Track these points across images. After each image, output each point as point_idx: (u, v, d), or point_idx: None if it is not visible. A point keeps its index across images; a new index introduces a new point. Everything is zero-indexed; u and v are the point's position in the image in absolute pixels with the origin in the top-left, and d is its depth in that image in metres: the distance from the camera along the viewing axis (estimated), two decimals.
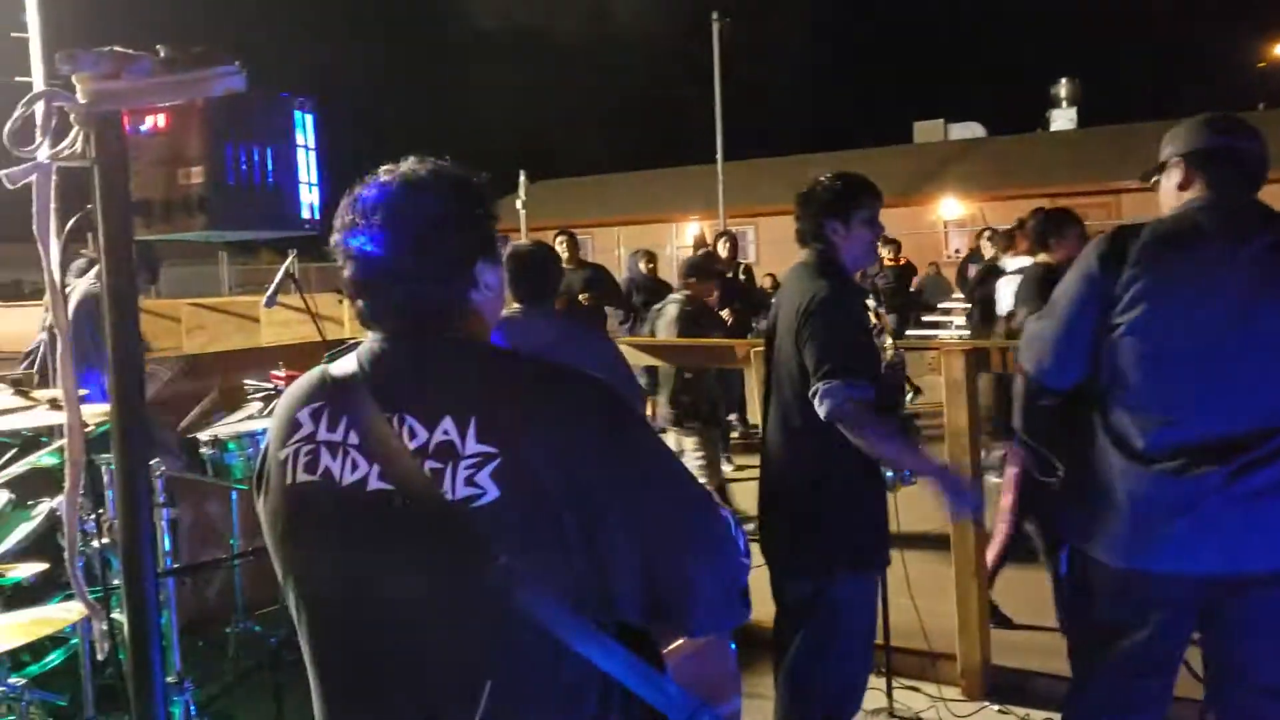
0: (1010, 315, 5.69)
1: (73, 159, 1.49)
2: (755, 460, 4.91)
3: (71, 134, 1.48)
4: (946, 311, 16.17)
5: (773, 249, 25.67)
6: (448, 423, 1.46)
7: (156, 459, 3.80)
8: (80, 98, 1.44)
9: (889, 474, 3.30)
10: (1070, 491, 2.89)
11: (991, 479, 7.51)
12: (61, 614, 2.95)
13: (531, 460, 1.43)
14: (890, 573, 3.48)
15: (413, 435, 1.47)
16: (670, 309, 6.98)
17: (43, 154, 1.46)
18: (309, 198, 1.68)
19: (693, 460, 6.89)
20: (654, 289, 9.70)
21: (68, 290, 4.32)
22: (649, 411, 9.99)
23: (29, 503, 3.80)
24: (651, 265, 10.11)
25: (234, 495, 4.85)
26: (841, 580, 3.21)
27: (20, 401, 4.06)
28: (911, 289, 13.73)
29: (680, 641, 2.38)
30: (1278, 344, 2.59)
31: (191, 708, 3.81)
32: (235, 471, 4.25)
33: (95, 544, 3.76)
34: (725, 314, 8.33)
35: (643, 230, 29.32)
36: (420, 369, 1.56)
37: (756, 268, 16.95)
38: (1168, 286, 2.63)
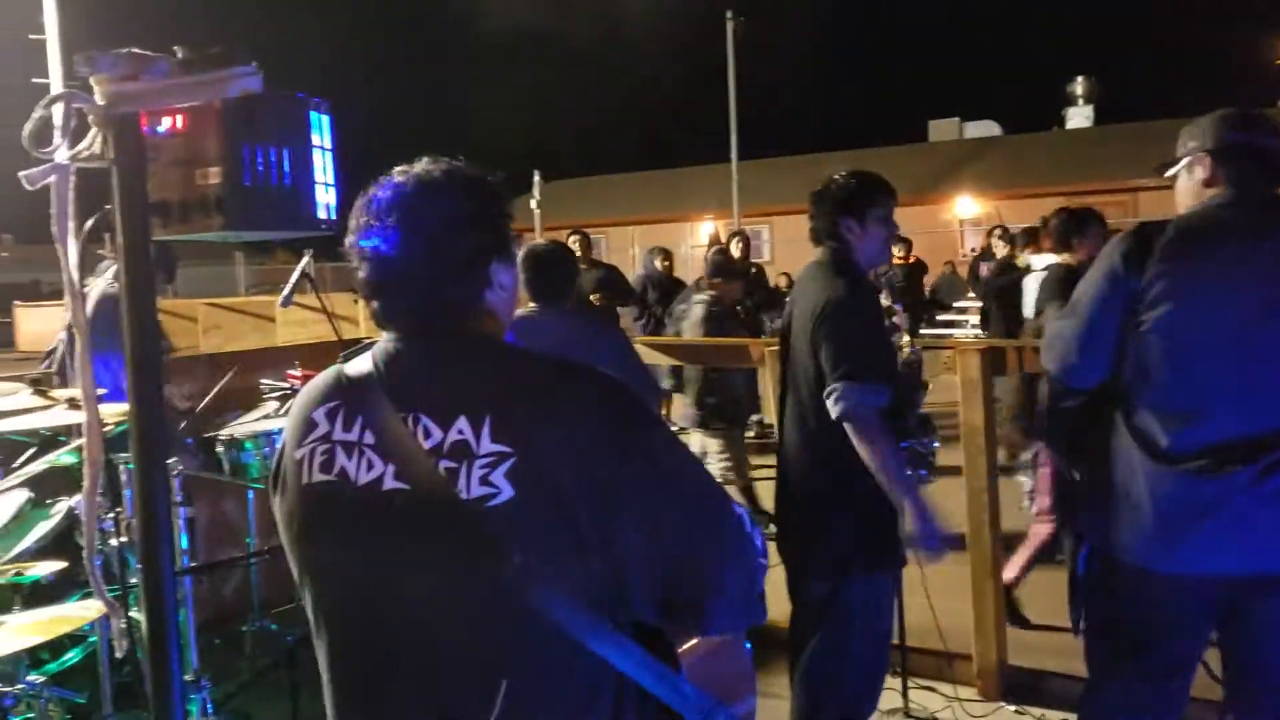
0: (1038, 315, 5.66)
1: (91, 160, 1.49)
2: (770, 460, 4.90)
3: (90, 135, 1.48)
4: (961, 310, 16.12)
5: (788, 248, 25.65)
6: (462, 422, 1.46)
7: (174, 458, 3.82)
8: (99, 99, 1.45)
9: (906, 473, 3.29)
10: (1090, 491, 2.86)
11: (1021, 479, 7.49)
12: (80, 612, 2.97)
13: (546, 459, 1.43)
14: (906, 572, 3.47)
15: (427, 435, 1.47)
16: (696, 310, 6.96)
17: (61, 155, 1.47)
18: (325, 198, 1.69)
19: (718, 461, 6.88)
20: (669, 287, 9.70)
21: (85, 290, 4.34)
22: (664, 411, 10.02)
23: (47, 501, 3.82)
24: (667, 263, 10.11)
25: (250, 494, 4.87)
26: (858, 580, 3.20)
27: (39, 401, 4.09)
28: (924, 287, 13.68)
29: (696, 641, 2.38)
30: None
31: (208, 706, 3.83)
32: (251, 470, 4.27)
33: (113, 542, 3.78)
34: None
35: (657, 229, 29.32)
36: (435, 368, 1.56)
37: (771, 267, 16.94)
38: (1193, 284, 2.60)
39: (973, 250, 15.64)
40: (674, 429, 9.40)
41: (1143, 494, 2.65)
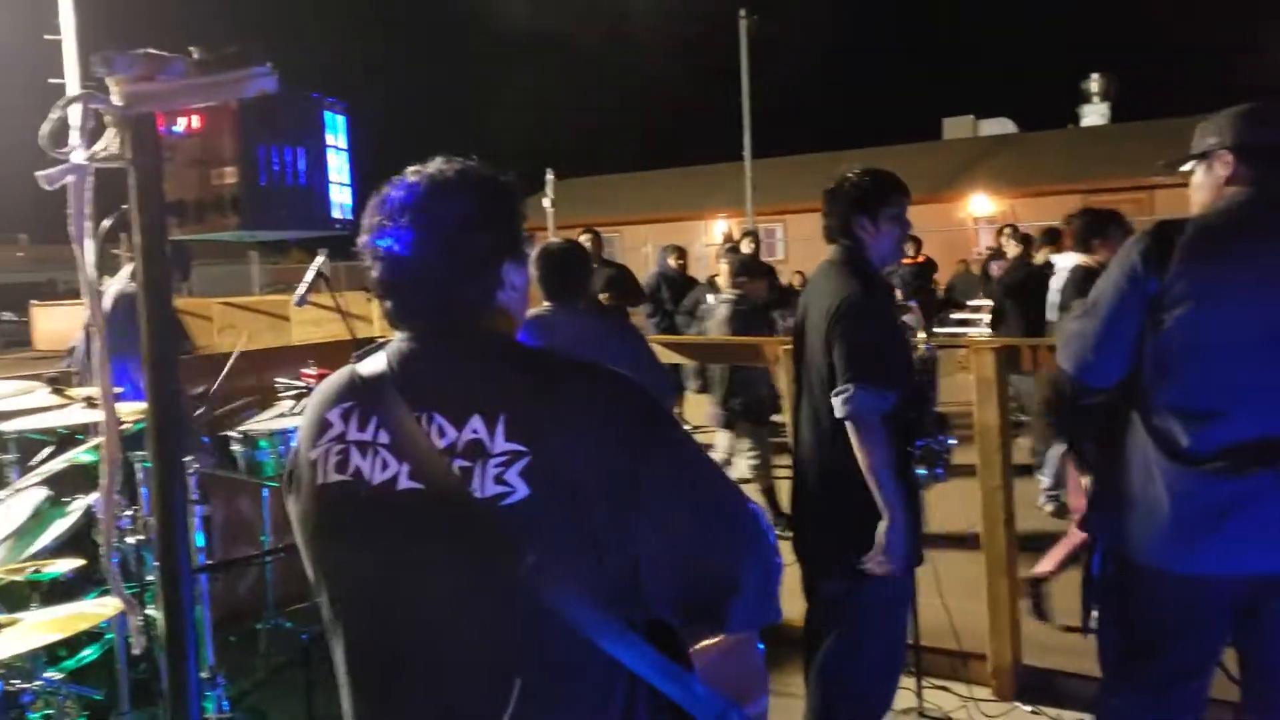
0: (1063, 316, 5.65)
1: (108, 160, 1.50)
2: (784, 459, 4.89)
3: (106, 135, 1.49)
4: (976, 309, 16.06)
5: (801, 246, 25.63)
6: (476, 421, 1.46)
7: (190, 456, 3.83)
8: (115, 100, 1.46)
9: (921, 471, 3.28)
10: (1106, 492, 2.83)
11: (1040, 478, 7.48)
12: (97, 609, 2.98)
13: (561, 458, 1.44)
14: (920, 572, 3.46)
15: (442, 434, 1.48)
16: (722, 309, 6.95)
17: (78, 156, 1.48)
18: (340, 198, 1.70)
19: (746, 460, 6.87)
20: (683, 284, 9.70)
21: (102, 289, 4.37)
22: (678, 410, 10.02)
23: (65, 499, 3.84)
24: (681, 261, 10.11)
25: (265, 492, 4.89)
26: (874, 579, 3.19)
27: (56, 399, 4.12)
28: (933, 286, 13.60)
29: (708, 640, 2.38)
30: None
31: (224, 703, 3.85)
32: (266, 468, 4.28)
33: (130, 540, 3.80)
34: None
35: (670, 228, 29.29)
36: (448, 368, 1.56)
37: (785, 265, 16.93)
38: (1214, 284, 2.57)
39: (988, 248, 15.57)
40: (688, 428, 9.42)
41: (1160, 494, 2.63)
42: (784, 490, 6.60)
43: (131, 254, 1.54)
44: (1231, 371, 2.57)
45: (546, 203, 24.40)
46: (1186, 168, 2.82)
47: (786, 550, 2.55)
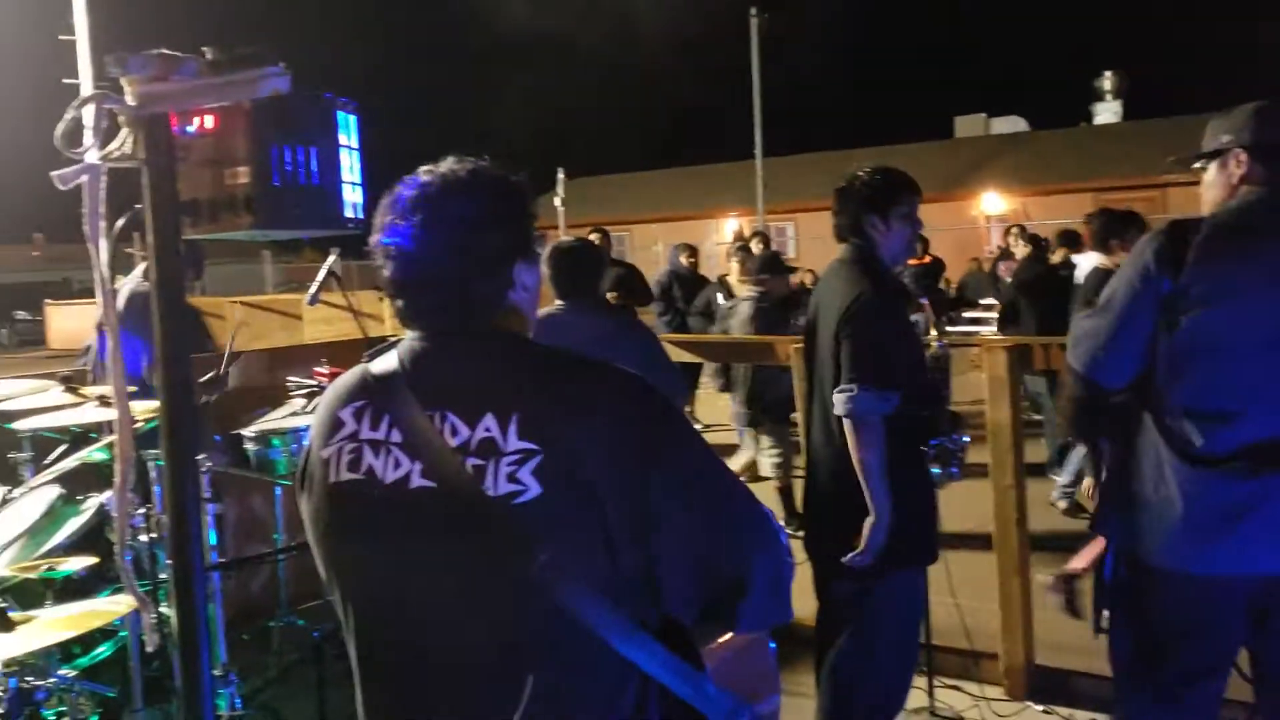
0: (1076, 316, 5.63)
1: (122, 160, 1.51)
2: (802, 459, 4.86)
3: (120, 135, 1.50)
4: (988, 308, 16.02)
5: (812, 245, 25.58)
6: (489, 420, 1.46)
7: (203, 454, 3.85)
8: (129, 100, 1.47)
9: (936, 470, 3.28)
10: (1117, 492, 2.82)
11: (1054, 477, 7.46)
12: (110, 607, 2.99)
13: (573, 457, 1.44)
14: (932, 571, 3.46)
15: (454, 432, 1.48)
16: (744, 307, 6.92)
17: (93, 155, 1.49)
18: (352, 197, 1.70)
19: (769, 458, 6.87)
20: (694, 283, 9.70)
21: (116, 288, 4.39)
22: (689, 409, 10.02)
23: (79, 498, 3.85)
24: (692, 259, 10.11)
25: (278, 491, 4.90)
26: (887, 578, 3.19)
27: (70, 398, 4.14)
28: (941, 287, 13.53)
29: (720, 639, 2.38)
30: None
31: (237, 700, 3.86)
32: (279, 467, 4.29)
33: (143, 538, 3.81)
34: None
35: (682, 227, 29.26)
36: (460, 366, 1.56)
37: (796, 264, 16.86)
38: (1230, 283, 2.55)
39: (1000, 247, 15.50)
40: (699, 427, 9.40)
41: (1173, 495, 2.61)
42: (800, 490, 6.60)
43: (145, 253, 1.54)
44: (1246, 372, 2.55)
45: (557, 202, 24.40)
46: (1198, 165, 2.80)
47: (798, 549, 2.55)
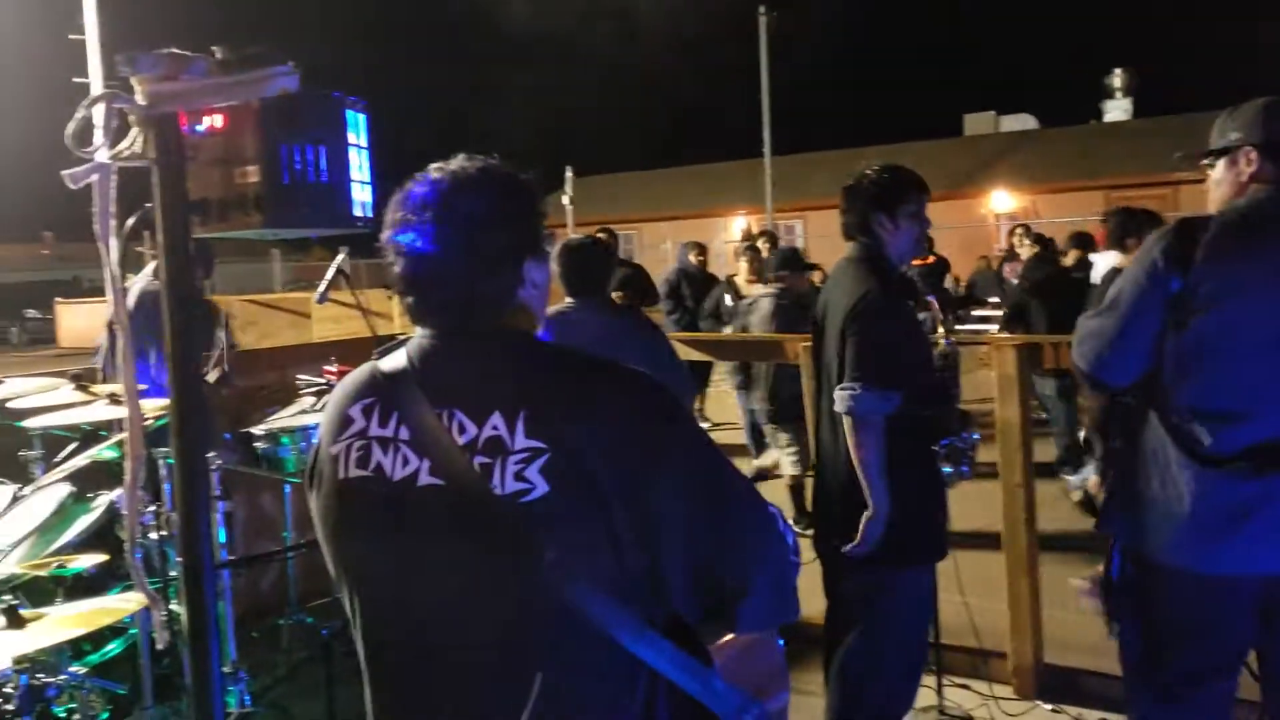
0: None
1: (132, 159, 1.51)
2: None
3: (130, 135, 1.50)
4: (997, 305, 15.97)
5: (821, 244, 25.51)
6: (496, 418, 1.47)
7: (212, 452, 3.86)
8: (139, 99, 1.47)
9: (947, 470, 3.28)
10: (1123, 491, 2.81)
11: (1067, 477, 7.46)
12: (121, 604, 3.00)
13: (580, 455, 1.44)
14: (941, 569, 3.45)
15: (462, 430, 1.48)
16: (764, 304, 6.89)
17: (103, 155, 1.49)
18: (361, 196, 1.71)
19: (787, 455, 6.86)
20: (703, 281, 9.70)
21: (126, 287, 4.40)
22: (699, 407, 10.02)
23: (89, 495, 3.87)
24: (701, 258, 10.11)
25: (287, 489, 4.91)
26: (895, 577, 3.19)
27: (80, 396, 4.15)
28: (947, 287, 13.47)
29: (728, 637, 2.38)
30: None
31: (246, 698, 3.88)
32: (288, 465, 4.31)
33: (153, 536, 3.83)
34: None
35: (690, 225, 29.25)
36: (469, 364, 1.57)
37: None
38: (1239, 283, 2.54)
39: (1005, 247, 15.44)
40: (706, 425, 9.40)
41: (1179, 494, 2.60)
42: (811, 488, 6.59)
43: (155, 252, 1.55)
44: (1254, 372, 2.54)
45: (566, 200, 24.41)
46: (1206, 162, 2.79)
47: (807, 548, 2.55)
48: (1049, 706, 4.26)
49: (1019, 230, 10.47)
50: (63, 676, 3.10)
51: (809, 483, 6.73)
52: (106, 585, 3.61)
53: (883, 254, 3.26)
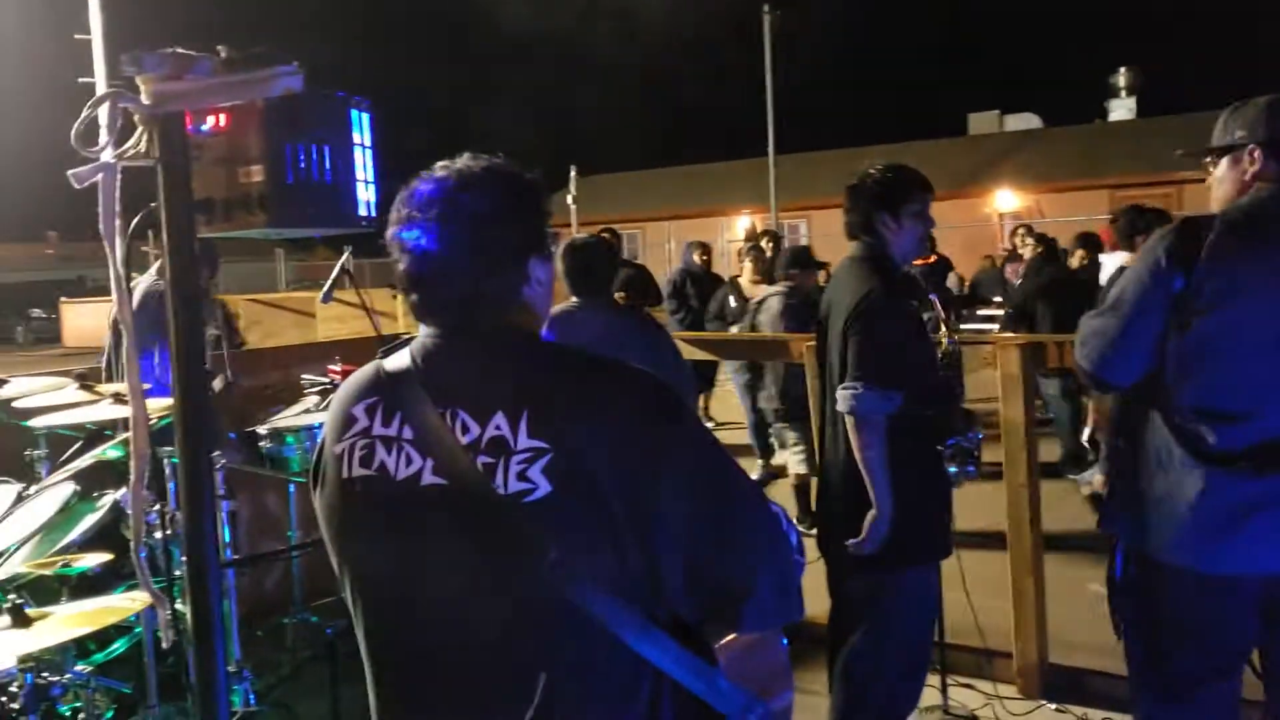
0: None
1: (137, 159, 1.52)
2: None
3: (136, 134, 1.51)
4: (1001, 305, 15.94)
5: (826, 243, 25.46)
6: (499, 418, 1.47)
7: (216, 452, 3.86)
8: (144, 99, 1.47)
9: (952, 469, 3.27)
10: (1124, 490, 2.80)
11: (1072, 477, 7.44)
12: (126, 603, 3.00)
13: (583, 455, 1.44)
14: (946, 569, 3.45)
15: (465, 430, 1.48)
16: (774, 302, 6.87)
17: (108, 154, 1.49)
18: (366, 195, 1.71)
19: (794, 454, 6.86)
20: (707, 282, 9.69)
21: (131, 286, 4.41)
22: (704, 405, 10.01)
23: (94, 495, 3.87)
24: (705, 258, 10.09)
25: (291, 488, 4.92)
26: (900, 575, 3.19)
27: (85, 395, 4.16)
28: (948, 284, 13.44)
29: (732, 636, 2.38)
30: None
31: (250, 697, 3.88)
32: (293, 464, 4.31)
33: (158, 535, 3.83)
34: None
35: (694, 224, 29.23)
36: (472, 364, 1.57)
37: None
38: (1243, 282, 2.53)
39: (1007, 248, 15.41)
40: (710, 425, 9.39)
41: (1182, 493, 2.59)
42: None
43: (160, 251, 1.55)
44: (1258, 372, 2.54)
45: (570, 199, 24.41)
46: (1208, 160, 2.78)
47: (811, 547, 2.55)
48: (1054, 706, 4.26)
49: (1020, 230, 10.43)
50: (68, 675, 3.10)
51: (814, 482, 6.75)
52: (111, 584, 3.61)
53: (886, 253, 3.26)
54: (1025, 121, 34.50)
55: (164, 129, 1.49)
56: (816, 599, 3.00)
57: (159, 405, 3.65)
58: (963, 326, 12.06)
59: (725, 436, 7.85)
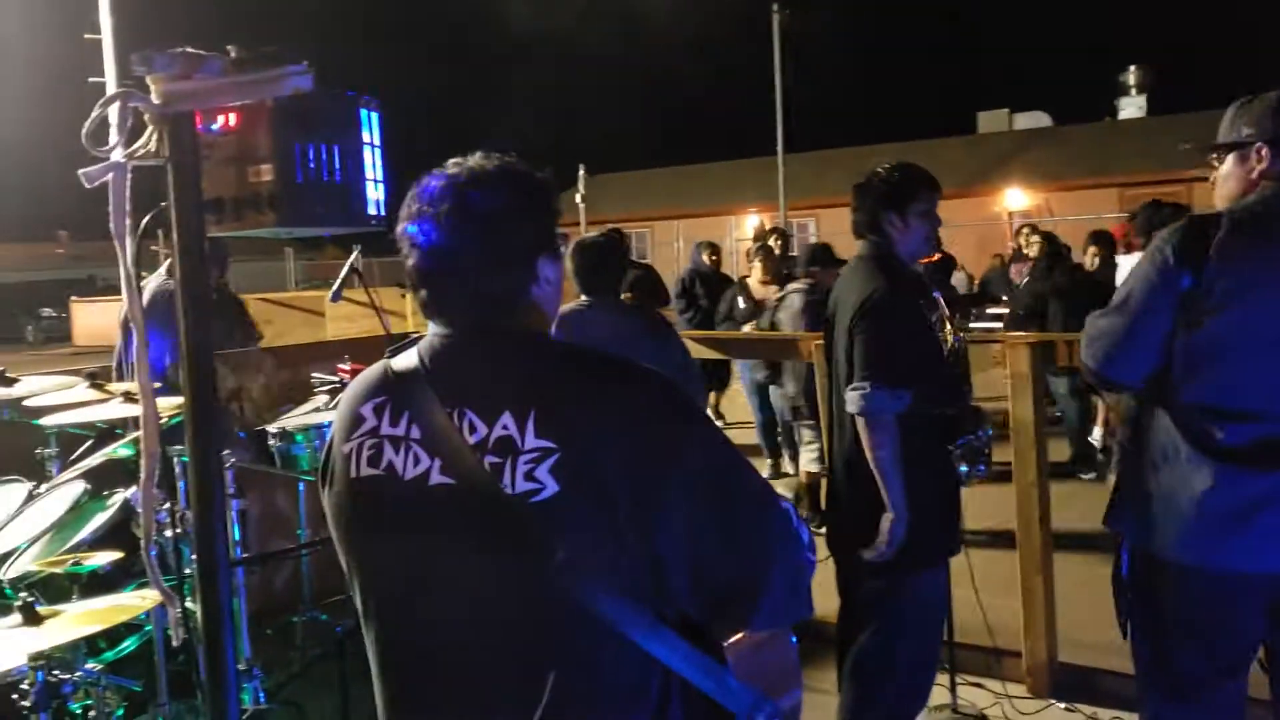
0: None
1: (147, 158, 1.52)
2: None
3: (146, 134, 1.51)
4: (1008, 304, 15.88)
5: (835, 241, 25.42)
6: (506, 417, 1.47)
7: (226, 450, 3.87)
8: (154, 98, 1.48)
9: (963, 468, 3.27)
10: (1130, 488, 2.79)
11: (1083, 476, 7.42)
12: (136, 601, 3.01)
13: (591, 455, 1.44)
14: (955, 568, 3.45)
15: (473, 430, 1.48)
16: (794, 299, 6.85)
17: (118, 154, 1.50)
18: (375, 194, 1.71)
19: (808, 451, 6.86)
20: (716, 282, 9.67)
21: (141, 286, 4.42)
22: (715, 402, 10.00)
23: (104, 493, 3.89)
24: (715, 258, 10.06)
25: (301, 486, 4.93)
26: (910, 574, 3.18)
27: (96, 394, 4.17)
28: (952, 282, 13.38)
29: (741, 635, 2.37)
30: None
31: (260, 695, 3.89)
32: (302, 463, 4.32)
33: (168, 534, 3.84)
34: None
35: (702, 223, 29.23)
36: (480, 363, 1.57)
37: None
38: (1251, 281, 2.52)
39: (1012, 248, 15.34)
40: (720, 424, 9.39)
41: (1189, 490, 2.58)
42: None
43: (170, 250, 1.55)
44: (1266, 370, 2.53)
45: (578, 198, 24.43)
46: (1214, 156, 2.76)
47: (821, 546, 2.55)
48: (1063, 705, 4.25)
49: (1025, 229, 10.34)
50: (78, 673, 3.11)
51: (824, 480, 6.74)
52: (122, 582, 3.62)
53: (892, 252, 3.26)
54: (1035, 120, 34.40)
55: (174, 128, 1.49)
56: (826, 597, 3.00)
57: (169, 404, 3.66)
58: (971, 326, 12.01)
59: (735, 436, 7.85)
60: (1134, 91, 34.28)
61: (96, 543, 3.61)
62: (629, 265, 8.84)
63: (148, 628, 3.67)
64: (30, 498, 3.90)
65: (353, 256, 4.67)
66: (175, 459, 3.87)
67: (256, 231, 1.61)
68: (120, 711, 3.46)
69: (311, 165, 1.59)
